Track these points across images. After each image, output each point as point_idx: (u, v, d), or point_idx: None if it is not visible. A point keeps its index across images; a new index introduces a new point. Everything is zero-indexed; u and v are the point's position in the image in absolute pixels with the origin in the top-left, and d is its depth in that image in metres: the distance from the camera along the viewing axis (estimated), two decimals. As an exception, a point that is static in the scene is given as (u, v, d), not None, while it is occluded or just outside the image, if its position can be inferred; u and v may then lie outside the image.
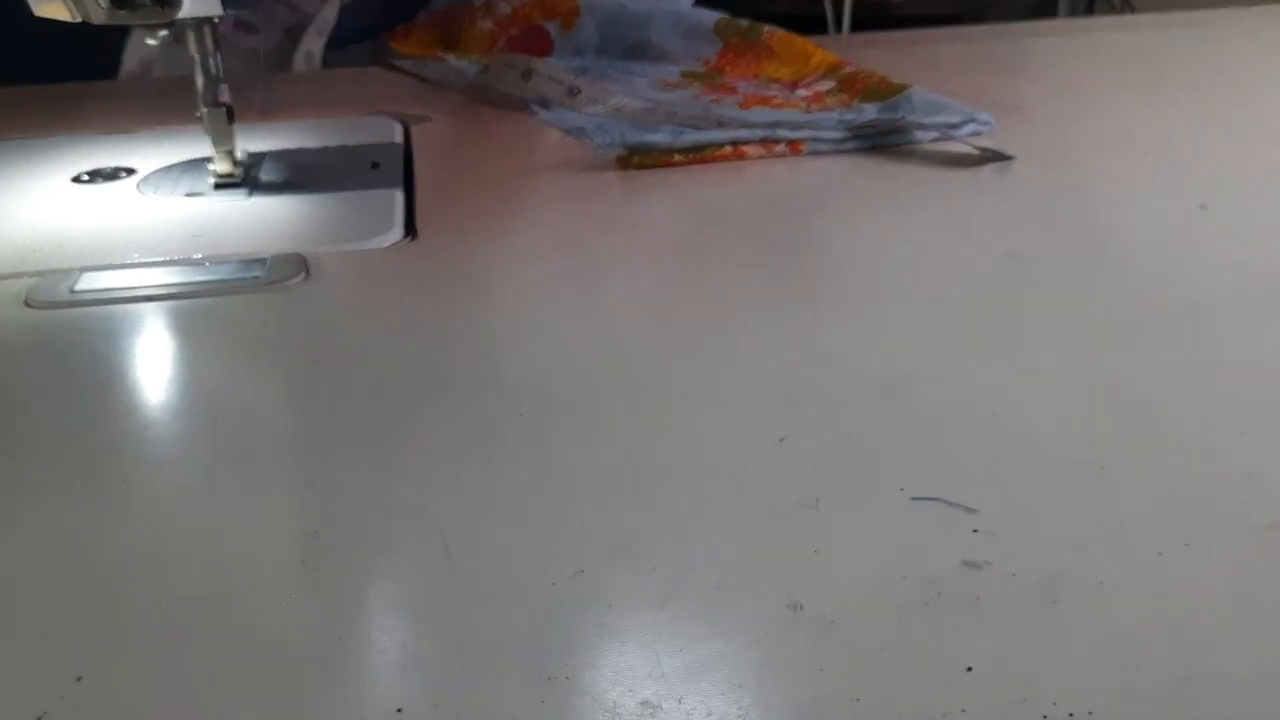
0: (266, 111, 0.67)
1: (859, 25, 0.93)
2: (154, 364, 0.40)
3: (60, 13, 0.49)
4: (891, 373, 0.37)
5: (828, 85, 0.69)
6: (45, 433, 0.36)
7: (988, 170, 0.56)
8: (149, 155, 0.60)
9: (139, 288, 0.45)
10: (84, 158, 0.60)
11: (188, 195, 0.54)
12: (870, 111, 0.63)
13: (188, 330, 0.42)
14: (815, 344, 0.40)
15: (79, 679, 0.25)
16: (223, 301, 0.44)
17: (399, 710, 0.24)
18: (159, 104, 0.70)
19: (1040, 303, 0.42)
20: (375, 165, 0.58)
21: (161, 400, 0.38)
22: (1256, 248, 0.46)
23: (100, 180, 0.57)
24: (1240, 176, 0.54)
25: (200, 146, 0.58)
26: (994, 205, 0.52)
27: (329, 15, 0.86)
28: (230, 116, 0.54)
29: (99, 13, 0.49)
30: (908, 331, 0.40)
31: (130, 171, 0.58)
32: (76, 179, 0.57)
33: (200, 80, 0.53)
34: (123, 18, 0.49)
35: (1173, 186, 0.53)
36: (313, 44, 0.88)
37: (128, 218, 0.52)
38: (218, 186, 0.55)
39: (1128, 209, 0.51)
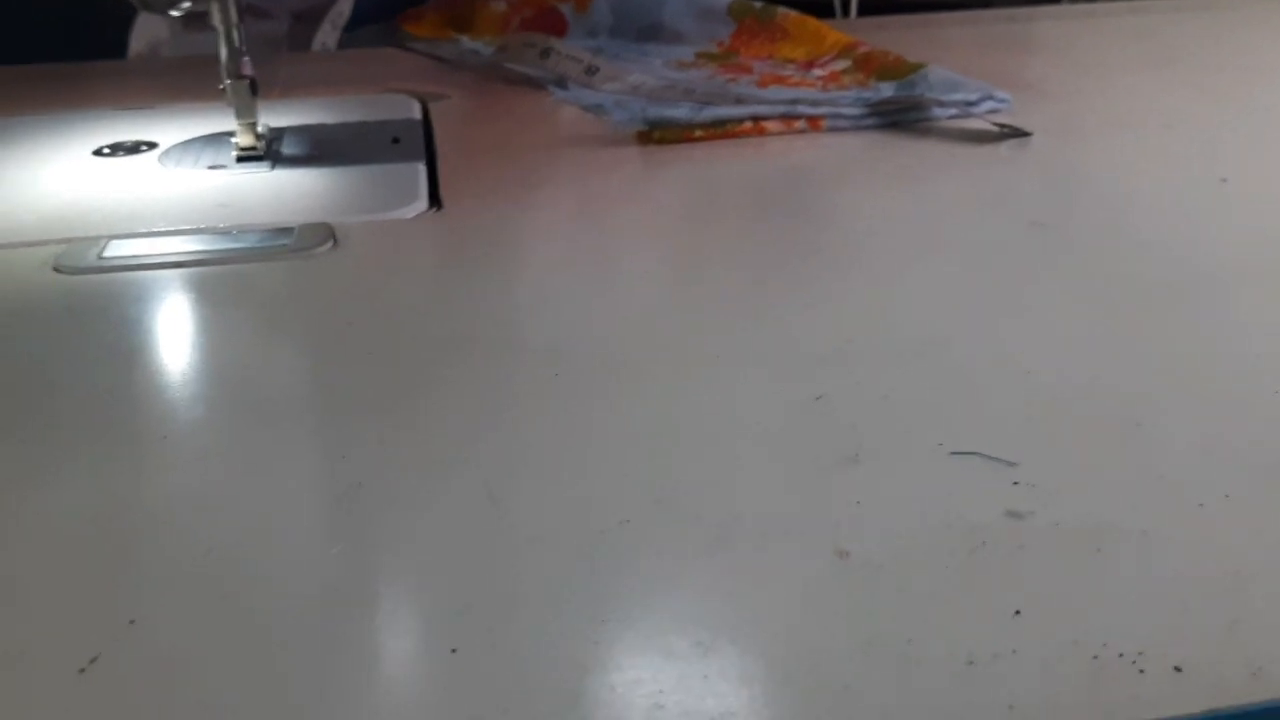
0: (286, 89, 0.67)
1: (866, 10, 0.93)
2: (186, 327, 0.40)
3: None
4: (923, 334, 0.38)
5: (843, 65, 0.69)
6: (81, 391, 0.36)
7: (1006, 145, 0.56)
8: (169, 129, 0.60)
9: (168, 255, 0.45)
10: (103, 132, 0.60)
11: (210, 168, 0.54)
12: (887, 90, 0.63)
13: (218, 296, 0.42)
14: (845, 308, 0.40)
15: (131, 622, 0.25)
16: (252, 269, 0.44)
17: (453, 650, 0.24)
18: (173, 81, 0.70)
19: (1067, 269, 0.43)
20: (396, 140, 0.58)
21: (196, 361, 0.38)
22: (1276, 219, 0.46)
23: (121, 153, 0.57)
24: (1259, 151, 0.54)
25: (220, 121, 0.58)
26: (1015, 178, 0.53)
27: (344, 8, 0.86)
28: (254, 89, 0.54)
29: (124, -17, 0.49)
30: (937, 296, 0.41)
31: (151, 145, 0.58)
32: (98, 152, 0.57)
33: (224, 52, 0.53)
34: (148, -11, 0.49)
35: (1192, 161, 0.53)
36: (328, 36, 0.88)
37: (152, 189, 0.52)
38: (240, 159, 0.55)
39: (1148, 182, 0.51)
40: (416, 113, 0.63)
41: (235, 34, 0.53)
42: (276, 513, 0.29)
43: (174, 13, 0.52)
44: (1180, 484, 0.29)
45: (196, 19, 0.54)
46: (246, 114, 0.54)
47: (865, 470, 0.30)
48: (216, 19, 0.52)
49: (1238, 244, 0.44)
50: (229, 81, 0.53)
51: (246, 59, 0.53)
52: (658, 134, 0.57)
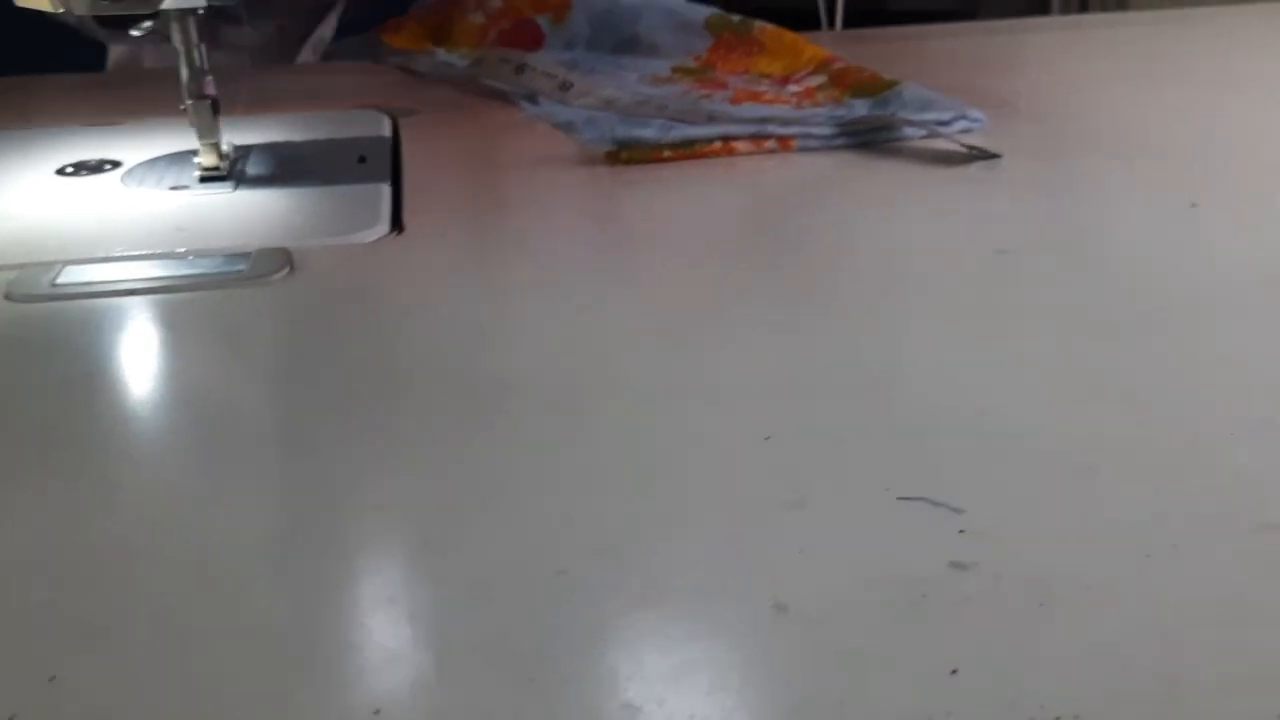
0: (253, 104, 0.66)
1: (852, 21, 0.93)
2: (136, 358, 0.40)
3: (42, 3, 0.49)
4: (879, 370, 0.37)
5: (818, 80, 0.68)
6: (26, 426, 0.35)
7: (976, 167, 0.55)
8: (134, 148, 0.59)
9: (122, 281, 0.44)
10: (68, 150, 0.59)
11: (172, 189, 0.54)
12: (861, 107, 0.62)
13: (170, 325, 0.42)
14: (803, 341, 0.39)
15: (52, 678, 0.25)
16: (206, 296, 0.44)
17: (376, 712, 0.24)
18: (146, 95, 0.69)
19: (1028, 300, 0.42)
20: (362, 159, 0.58)
21: (143, 394, 0.37)
22: (1246, 245, 0.46)
23: (85, 173, 0.56)
24: (1230, 174, 0.54)
25: (186, 139, 0.57)
26: (982, 202, 0.52)
27: (326, 33, 0.85)
28: (215, 109, 0.53)
29: (81, 4, 0.48)
30: (896, 328, 0.40)
31: (115, 164, 0.57)
32: (60, 171, 0.57)
33: (185, 72, 0.52)
34: (105, 8, 0.49)
35: (1163, 184, 0.53)
36: (308, 57, 0.87)
37: (111, 211, 0.52)
38: (203, 179, 0.54)
39: (1117, 206, 0.51)
40: (386, 129, 0.63)
41: (196, 54, 0.52)
42: (211, 558, 0.29)
43: (134, 33, 0.52)
44: (1129, 532, 0.29)
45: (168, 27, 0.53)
46: (208, 134, 0.54)
47: (810, 516, 0.30)
48: (176, 39, 0.52)
49: (1201, 275, 0.44)
50: (190, 102, 0.53)
51: (209, 78, 0.53)
52: (625, 154, 0.56)
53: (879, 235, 0.49)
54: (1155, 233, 0.48)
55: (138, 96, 0.70)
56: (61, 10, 0.49)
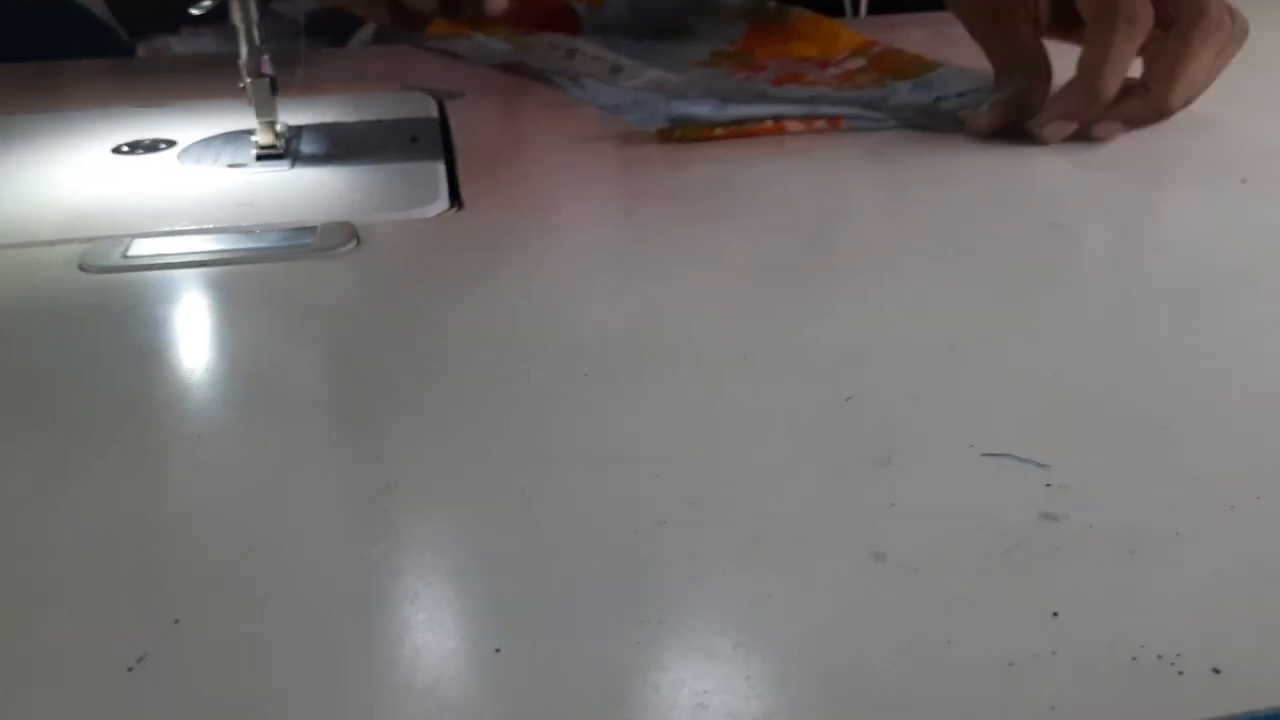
0: (301, 87, 0.67)
1: (876, 8, 0.93)
2: (212, 327, 0.41)
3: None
4: (947, 337, 0.38)
5: (858, 63, 0.69)
6: (108, 392, 0.36)
7: (1027, 145, 0.56)
8: (186, 128, 0.60)
9: (191, 254, 0.45)
10: (121, 130, 0.60)
11: (230, 166, 0.55)
12: (904, 90, 0.63)
13: (243, 295, 0.42)
14: (869, 309, 0.40)
15: (176, 621, 0.25)
16: (275, 268, 0.44)
17: (497, 650, 0.24)
18: (185, 79, 0.70)
19: (1088, 271, 0.43)
20: (414, 139, 0.58)
21: (224, 361, 0.38)
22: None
23: (140, 151, 0.57)
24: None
25: (237, 119, 0.58)
26: (1035, 179, 0.53)
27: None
28: (274, 87, 0.54)
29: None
30: (959, 298, 0.41)
31: (170, 143, 0.58)
32: (116, 150, 0.57)
33: (244, 50, 0.53)
34: (170, -15, 0.49)
35: (1213, 161, 0.53)
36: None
37: (173, 187, 0.52)
38: (260, 158, 0.55)
39: (1169, 183, 0.51)
40: (434, 111, 0.63)
41: (255, 32, 0.53)
42: (311, 513, 0.30)
43: (194, 10, 0.52)
44: (1211, 486, 0.30)
45: (206, 19, 0.54)
46: (266, 112, 0.54)
47: (897, 472, 0.30)
48: (237, 17, 0.52)
49: (1256, 247, 0.44)
50: (249, 80, 0.53)
51: (266, 57, 0.54)
52: (679, 132, 0.57)
53: (934, 210, 0.49)
54: (1208, 208, 0.48)
55: (177, 80, 0.70)
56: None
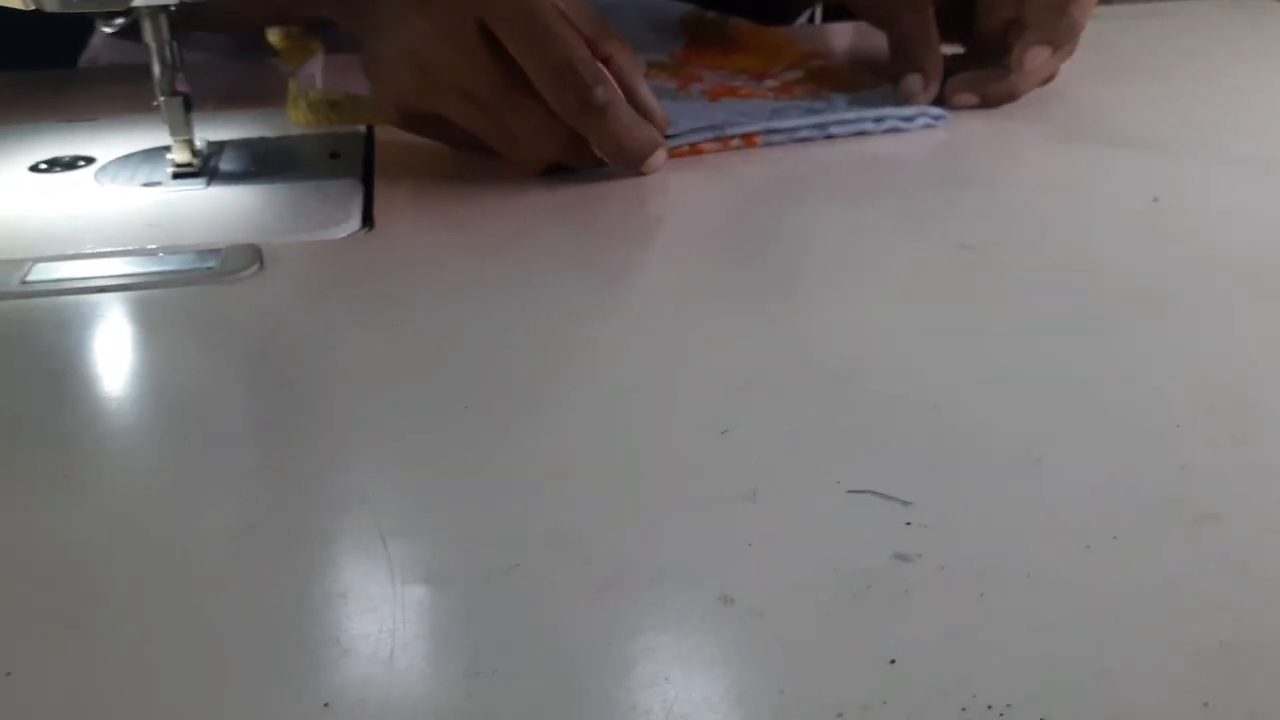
0: (225, 100, 0.67)
1: (831, 15, 0.93)
2: (105, 356, 0.40)
3: (13, 1, 0.49)
4: (838, 365, 0.38)
5: (795, 75, 0.69)
6: (-9, 424, 0.36)
7: (943, 160, 0.56)
8: (109, 144, 0.60)
9: (92, 279, 0.45)
10: (43, 146, 0.60)
11: (145, 185, 0.54)
12: (839, 102, 0.63)
13: (140, 322, 0.42)
14: (765, 336, 0.40)
15: (8, 674, 0.25)
16: (176, 293, 0.44)
17: (325, 704, 0.24)
18: (121, 91, 0.69)
19: (989, 294, 0.43)
20: (335, 155, 0.58)
21: (111, 392, 0.38)
22: (1204, 241, 0.47)
23: (58, 169, 0.57)
24: (1195, 170, 0.55)
25: (160, 135, 0.57)
26: (947, 196, 0.52)
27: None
28: (188, 106, 0.54)
29: (52, 2, 0.48)
30: (858, 323, 0.41)
31: (89, 160, 0.57)
32: (34, 168, 0.57)
33: (157, 69, 0.52)
34: (76, 6, 0.49)
35: (1127, 178, 0.53)
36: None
37: (84, 207, 0.52)
38: (176, 176, 0.55)
39: (1080, 200, 0.51)
40: (360, 126, 0.63)
41: (168, 50, 0.52)
42: (171, 555, 0.29)
43: (106, 29, 0.52)
44: (1071, 524, 0.29)
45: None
46: (181, 131, 0.54)
47: (761, 509, 0.30)
48: (148, 34, 0.52)
49: (1158, 270, 0.44)
50: (162, 98, 0.53)
51: (181, 74, 0.53)
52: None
53: (844, 229, 0.49)
54: (1116, 227, 0.48)
55: (111, 93, 0.70)
56: (32, 7, 0.49)
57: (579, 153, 0.53)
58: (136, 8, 0.50)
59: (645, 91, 0.55)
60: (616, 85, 0.52)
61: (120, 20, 0.52)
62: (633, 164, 0.54)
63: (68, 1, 0.49)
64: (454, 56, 0.52)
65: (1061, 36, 0.61)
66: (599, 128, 0.52)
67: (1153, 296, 0.42)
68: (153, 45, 0.52)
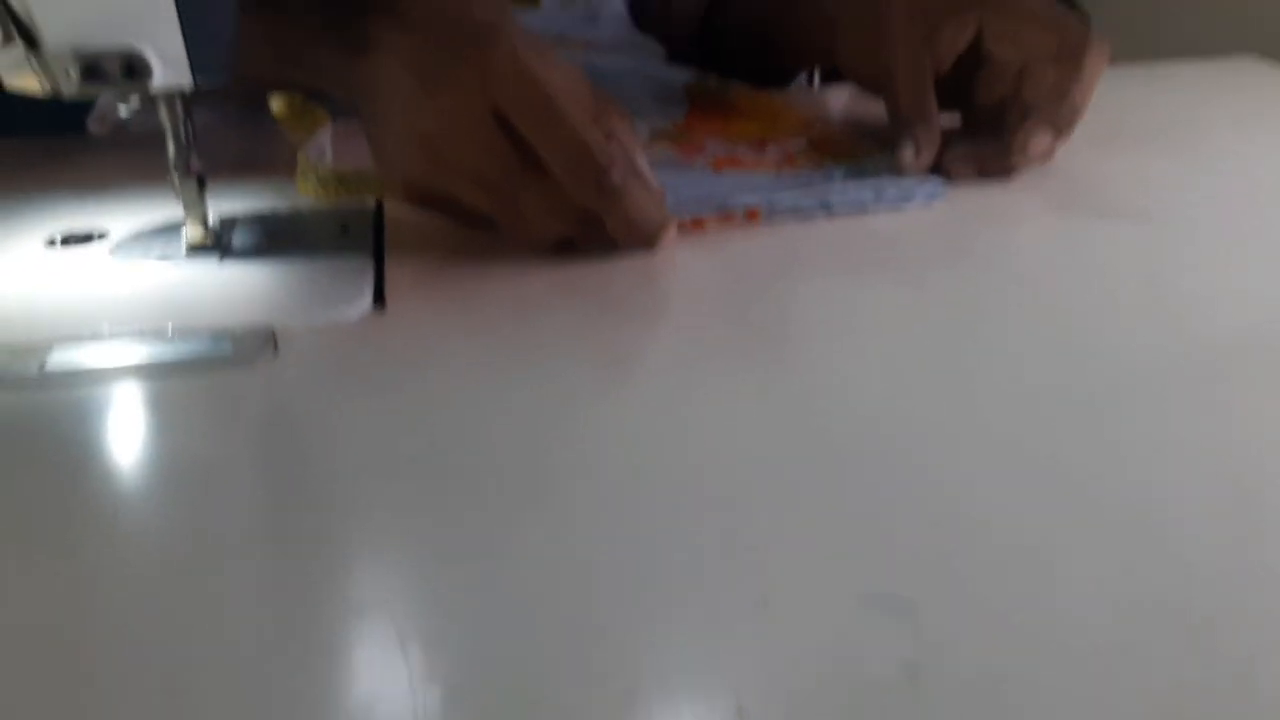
0: (238, 168, 0.67)
1: (831, 77, 0.94)
2: (120, 451, 0.41)
3: (31, 85, 0.50)
4: (845, 453, 0.38)
5: (798, 144, 0.70)
6: (12, 522, 0.36)
7: (942, 236, 0.57)
8: (123, 216, 0.61)
9: (108, 367, 0.45)
10: (57, 219, 0.60)
11: (160, 258, 0.55)
12: (838, 173, 0.64)
13: (157, 413, 0.43)
14: (771, 422, 0.41)
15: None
16: (193, 382, 0.45)
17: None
18: (134, 160, 0.70)
19: (991, 378, 0.43)
20: (345, 229, 0.59)
21: (125, 489, 0.38)
22: (1203, 324, 0.47)
23: (73, 244, 0.58)
24: (1193, 245, 0.56)
25: (174, 207, 0.58)
26: (948, 274, 0.53)
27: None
28: (202, 184, 0.55)
29: (69, 85, 0.49)
30: (863, 410, 0.41)
31: (103, 235, 0.58)
32: (50, 243, 0.58)
33: (171, 149, 0.53)
34: (92, 89, 0.50)
35: (1127, 254, 0.54)
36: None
37: (99, 286, 0.53)
38: (190, 252, 0.55)
39: (1079, 279, 0.52)
40: (370, 198, 0.64)
41: (182, 130, 0.53)
42: (185, 656, 0.30)
43: (121, 112, 0.53)
44: (1079, 629, 0.30)
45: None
46: (195, 209, 0.55)
47: (771, 616, 0.31)
48: (164, 115, 0.53)
49: (1161, 350, 0.45)
50: (177, 178, 0.54)
51: (194, 154, 0.54)
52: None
53: (848, 309, 0.50)
54: (1117, 307, 0.49)
55: (121, 160, 0.70)
56: (49, 92, 0.50)
57: (589, 231, 0.54)
58: (154, 93, 0.51)
59: (644, 167, 0.56)
60: (629, 166, 0.53)
61: (135, 104, 0.53)
62: (644, 243, 0.55)
63: (83, 86, 0.50)
64: (465, 139, 0.52)
65: (1063, 120, 0.62)
66: (613, 209, 0.53)
67: (1152, 381, 0.43)
68: (168, 125, 0.53)
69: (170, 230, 0.58)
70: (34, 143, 0.75)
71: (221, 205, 0.61)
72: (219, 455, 0.40)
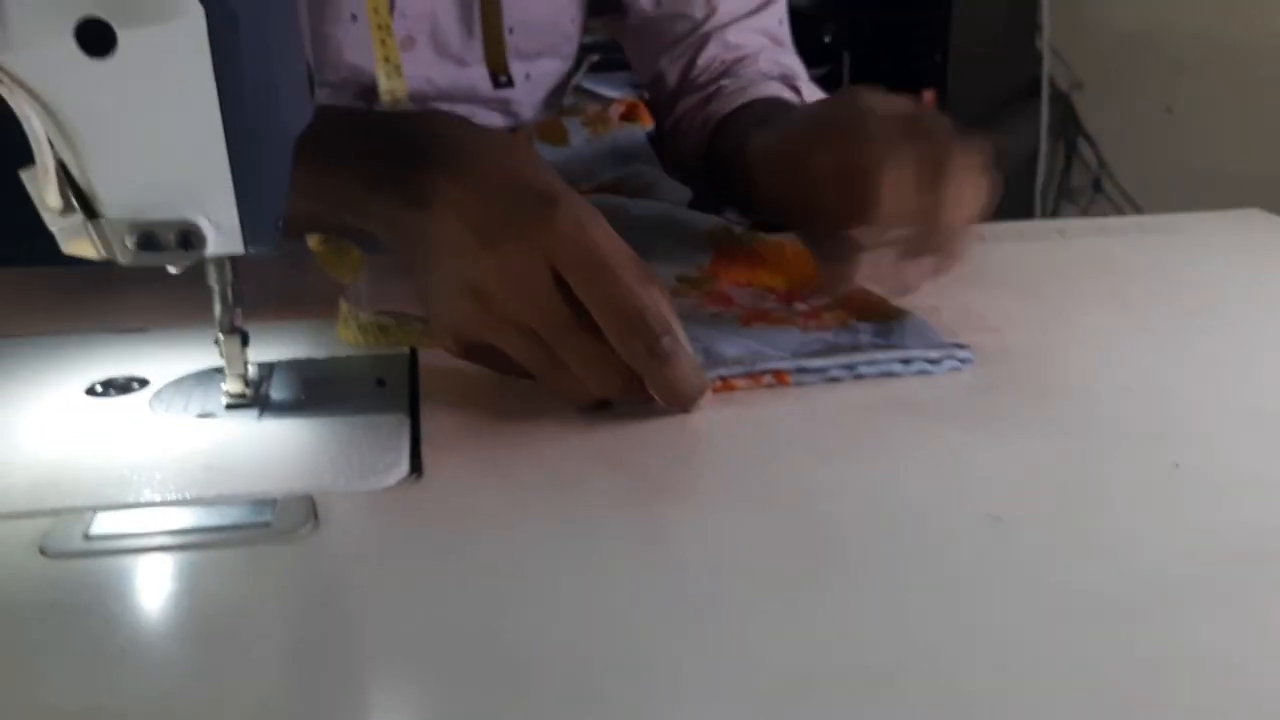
0: (277, 307, 0.69)
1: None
2: (163, 627, 0.42)
3: (88, 251, 0.52)
4: (871, 666, 0.39)
5: (825, 300, 0.71)
6: (61, 706, 0.37)
7: (968, 408, 0.58)
8: (161, 361, 0.62)
9: (151, 534, 0.46)
10: (96, 362, 0.62)
11: (200, 416, 0.56)
12: (866, 331, 0.65)
13: (199, 587, 0.44)
14: (799, 630, 0.41)
15: None
16: (234, 553, 0.45)
17: None
18: (172, 296, 0.71)
19: (1017, 578, 0.44)
20: (381, 383, 0.60)
21: (173, 671, 0.39)
22: (1226, 519, 0.48)
23: (113, 392, 0.59)
24: (1212, 427, 0.56)
25: (210, 352, 0.59)
26: (973, 451, 0.54)
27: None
28: (245, 341, 0.56)
29: (126, 254, 0.51)
30: (890, 617, 0.42)
31: (144, 383, 0.60)
32: (90, 391, 0.59)
33: (218, 308, 0.55)
34: (148, 259, 0.51)
35: (1147, 437, 0.55)
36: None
37: (141, 443, 0.54)
38: (229, 406, 0.57)
39: (1101, 467, 0.53)
40: (405, 347, 0.65)
41: (229, 291, 0.55)
42: None
43: (172, 270, 0.54)
44: None
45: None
46: (237, 365, 0.56)
47: None
48: (213, 278, 0.55)
49: (1184, 549, 0.46)
50: (222, 336, 0.55)
51: (239, 311, 0.55)
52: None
53: (873, 492, 0.51)
54: (1139, 498, 0.50)
55: (158, 297, 0.71)
56: (105, 259, 0.51)
57: (631, 390, 0.56)
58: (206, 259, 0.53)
59: (682, 334, 0.57)
60: (677, 333, 0.55)
61: (186, 263, 0.55)
62: (681, 407, 0.56)
63: (139, 255, 0.51)
64: (518, 294, 0.54)
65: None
66: (660, 374, 0.55)
67: (1171, 584, 0.43)
68: (216, 288, 0.55)
69: (209, 380, 0.59)
70: (65, 277, 0.77)
71: (261, 345, 0.61)
72: (259, 638, 0.41)
